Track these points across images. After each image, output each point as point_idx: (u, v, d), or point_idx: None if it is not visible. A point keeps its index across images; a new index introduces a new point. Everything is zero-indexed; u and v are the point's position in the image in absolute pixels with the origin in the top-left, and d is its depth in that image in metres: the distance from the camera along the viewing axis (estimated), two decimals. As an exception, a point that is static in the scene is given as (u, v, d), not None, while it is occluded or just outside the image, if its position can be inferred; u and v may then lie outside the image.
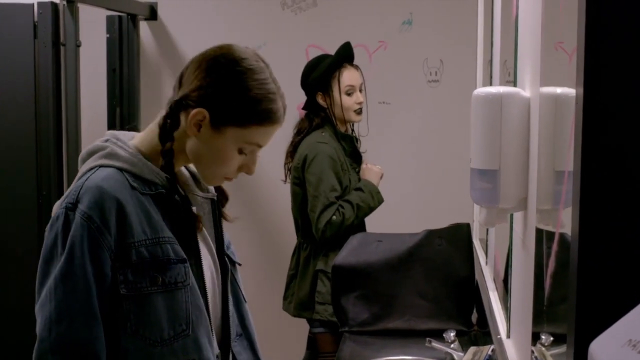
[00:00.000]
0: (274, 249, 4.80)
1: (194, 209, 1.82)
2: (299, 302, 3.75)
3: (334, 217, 3.56)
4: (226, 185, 1.94)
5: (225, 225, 1.96)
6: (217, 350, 1.83)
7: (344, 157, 3.71)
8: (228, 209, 1.97)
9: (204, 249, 1.85)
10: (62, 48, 3.78)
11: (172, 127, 1.75)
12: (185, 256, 1.74)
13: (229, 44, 1.79)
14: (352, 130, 3.84)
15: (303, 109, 3.82)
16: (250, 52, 1.79)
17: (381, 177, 3.78)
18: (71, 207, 1.66)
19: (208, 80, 1.73)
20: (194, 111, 1.72)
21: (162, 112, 1.78)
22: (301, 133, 3.77)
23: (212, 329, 1.82)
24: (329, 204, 3.57)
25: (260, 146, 1.79)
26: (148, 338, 1.69)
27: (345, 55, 3.77)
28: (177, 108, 1.74)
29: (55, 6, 3.67)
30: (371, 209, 3.69)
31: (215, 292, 1.88)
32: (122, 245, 1.67)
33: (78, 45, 3.87)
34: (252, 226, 4.72)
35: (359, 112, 3.75)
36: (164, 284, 1.70)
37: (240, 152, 1.77)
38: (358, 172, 3.79)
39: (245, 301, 2.00)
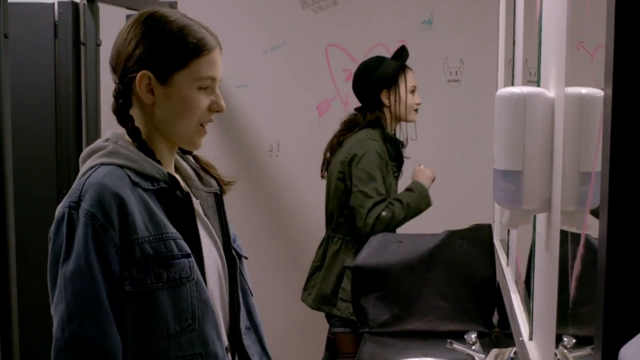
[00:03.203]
0: (291, 242, 4.78)
1: (196, 202, 1.84)
2: (320, 295, 3.72)
3: (384, 212, 3.55)
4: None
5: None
6: (226, 344, 1.84)
7: (388, 159, 3.72)
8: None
9: (209, 243, 1.86)
10: (82, 47, 3.79)
11: (125, 105, 1.78)
12: (189, 251, 1.75)
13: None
14: (395, 134, 3.84)
15: (362, 105, 3.82)
16: (157, 7, 1.87)
17: (433, 181, 3.77)
18: (74, 206, 1.68)
19: (133, 44, 1.77)
20: (137, 77, 1.75)
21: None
22: (352, 128, 3.77)
23: (220, 323, 1.83)
24: (380, 200, 3.57)
25: (214, 78, 1.81)
26: (154, 333, 1.70)
27: (406, 57, 3.84)
28: (123, 87, 1.78)
29: (75, 5, 3.68)
30: (420, 211, 3.68)
31: (222, 286, 1.89)
32: (126, 241, 1.68)
33: (98, 45, 3.87)
34: (267, 219, 4.71)
35: (416, 111, 3.82)
36: (169, 279, 1.71)
37: (200, 90, 1.79)
38: (396, 177, 3.78)
39: (252, 295, 2.00)
